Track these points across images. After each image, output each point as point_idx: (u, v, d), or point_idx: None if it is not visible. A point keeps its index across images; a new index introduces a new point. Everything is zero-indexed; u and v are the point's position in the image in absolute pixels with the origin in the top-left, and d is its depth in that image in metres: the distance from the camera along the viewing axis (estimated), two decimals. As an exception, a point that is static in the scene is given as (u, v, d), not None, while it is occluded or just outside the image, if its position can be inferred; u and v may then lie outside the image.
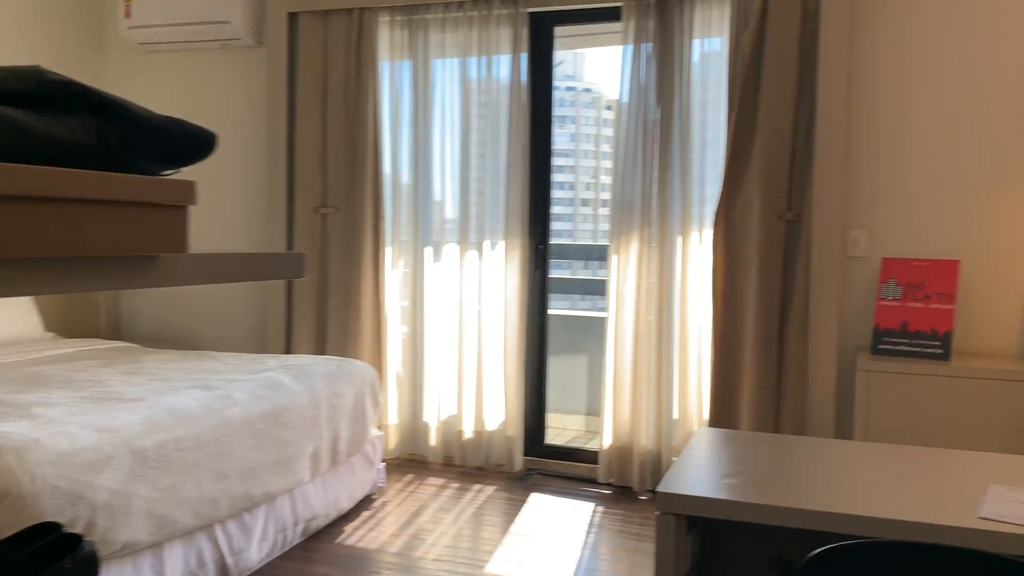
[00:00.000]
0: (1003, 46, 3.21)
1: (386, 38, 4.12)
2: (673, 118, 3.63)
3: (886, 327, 3.23)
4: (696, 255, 3.66)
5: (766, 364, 3.40)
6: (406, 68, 4.12)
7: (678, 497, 1.43)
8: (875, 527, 1.32)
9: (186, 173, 3.86)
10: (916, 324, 3.19)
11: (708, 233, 3.64)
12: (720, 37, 3.61)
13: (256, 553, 2.79)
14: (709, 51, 3.64)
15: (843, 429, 3.46)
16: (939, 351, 3.12)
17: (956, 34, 3.27)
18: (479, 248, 4.02)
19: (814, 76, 3.37)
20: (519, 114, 3.88)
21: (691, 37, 3.63)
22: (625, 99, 3.71)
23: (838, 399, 3.45)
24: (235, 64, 4.46)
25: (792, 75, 3.35)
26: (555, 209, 4.07)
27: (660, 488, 1.47)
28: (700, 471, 1.55)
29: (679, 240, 3.67)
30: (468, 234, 4.03)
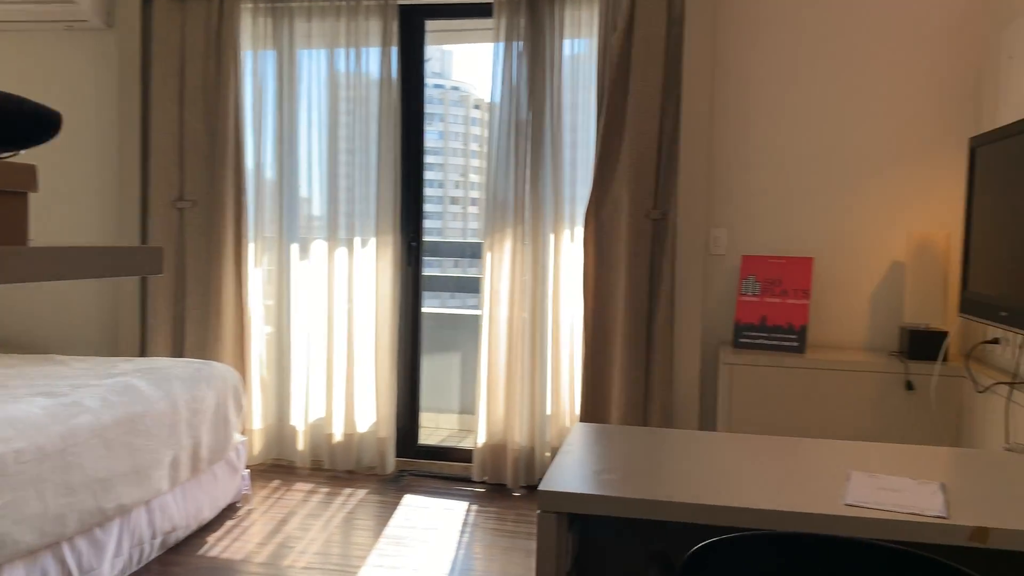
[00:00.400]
0: (855, 53, 3.40)
1: (248, 26, 3.94)
2: (545, 118, 3.65)
3: (746, 321, 3.36)
4: (568, 253, 3.70)
5: (635, 359, 3.48)
6: (270, 58, 3.96)
7: (559, 495, 1.42)
8: (749, 517, 1.35)
9: (26, 158, 3.55)
10: (774, 318, 3.34)
11: (579, 231, 3.68)
12: (589, 39, 3.66)
13: (109, 570, 2.60)
14: (579, 52, 3.68)
15: (707, 419, 3.58)
16: (795, 344, 3.28)
17: (812, 41, 3.44)
18: (349, 245, 3.92)
19: (680, 79, 3.47)
20: (389, 109, 3.81)
21: (562, 37, 3.66)
22: (497, 98, 3.70)
23: (702, 391, 3.57)
24: (83, 47, 4.16)
25: (658, 78, 3.44)
26: (425, 207, 4.02)
27: (542, 486, 1.45)
28: (579, 468, 1.55)
29: (552, 238, 3.70)
30: (337, 231, 3.91)
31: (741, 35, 3.51)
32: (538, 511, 1.45)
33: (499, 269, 3.72)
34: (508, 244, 3.70)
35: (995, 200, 2.58)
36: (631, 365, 3.47)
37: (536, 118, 3.65)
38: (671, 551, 1.64)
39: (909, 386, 3.06)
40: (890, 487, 1.47)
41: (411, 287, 4.00)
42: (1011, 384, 2.60)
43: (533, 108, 3.65)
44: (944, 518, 1.32)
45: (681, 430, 1.84)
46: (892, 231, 3.41)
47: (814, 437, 3.13)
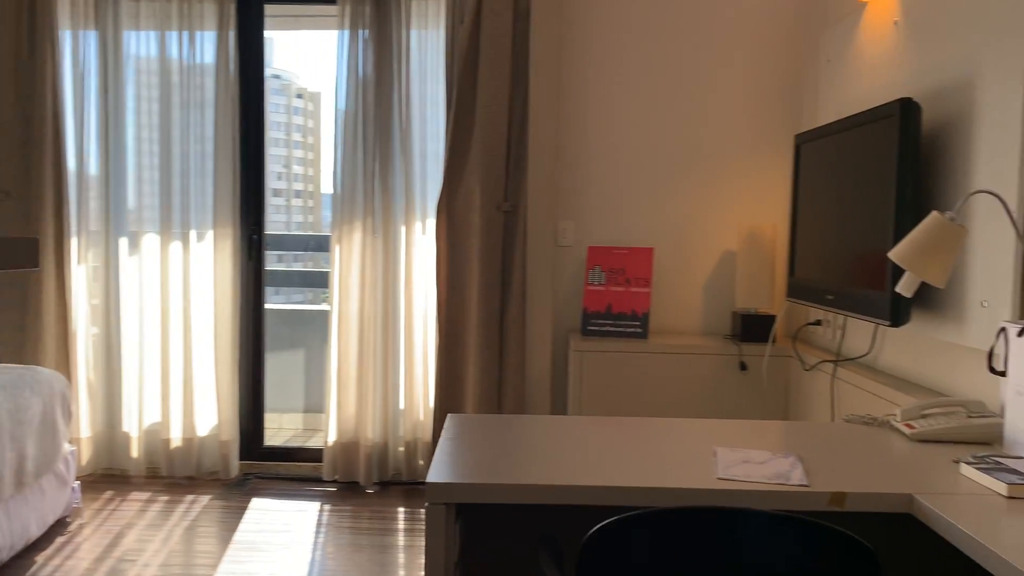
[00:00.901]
0: (690, 53, 3.59)
1: (67, 3, 3.63)
2: (393, 109, 3.61)
3: (593, 310, 3.48)
4: (420, 245, 3.68)
5: (488, 349, 3.51)
6: (92, 39, 3.66)
7: (449, 486, 1.42)
8: (637, 496, 1.41)
9: None
10: (619, 306, 3.48)
11: (432, 223, 3.67)
12: (437, 30, 3.65)
13: (-78, 604, 2.33)
14: (427, 43, 3.66)
15: (559, 405, 3.68)
16: (639, 330, 3.43)
17: (649, 40, 3.60)
18: (184, 239, 3.71)
19: (527, 73, 3.53)
20: (227, 98, 3.63)
21: (409, 27, 3.63)
22: (343, 87, 3.62)
23: (553, 378, 3.67)
24: None
25: (506, 71, 3.48)
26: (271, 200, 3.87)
27: (430, 478, 1.44)
28: (462, 458, 1.55)
29: (403, 230, 3.66)
30: (171, 224, 3.69)
31: (585, 31, 3.62)
32: (426, 504, 1.44)
33: (349, 262, 3.64)
34: (358, 236, 3.63)
35: (817, 193, 2.82)
36: (485, 356, 3.51)
37: (384, 109, 3.60)
38: (558, 537, 1.67)
39: (742, 367, 3.28)
40: (754, 460, 1.57)
41: (252, 282, 3.84)
42: (835, 362, 2.85)
43: (380, 99, 3.60)
44: (806, 486, 1.43)
45: (546, 416, 1.88)
46: (724, 222, 3.63)
47: (659, 415, 3.29)
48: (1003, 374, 1.72)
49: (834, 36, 3.07)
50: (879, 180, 2.31)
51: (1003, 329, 1.73)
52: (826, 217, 2.73)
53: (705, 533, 1.13)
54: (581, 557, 1.18)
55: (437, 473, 1.47)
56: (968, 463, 1.52)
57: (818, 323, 3.21)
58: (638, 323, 3.44)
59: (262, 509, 3.44)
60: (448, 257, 3.58)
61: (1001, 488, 1.41)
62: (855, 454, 1.65)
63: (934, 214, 1.70)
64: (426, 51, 3.65)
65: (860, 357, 2.83)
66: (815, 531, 1.13)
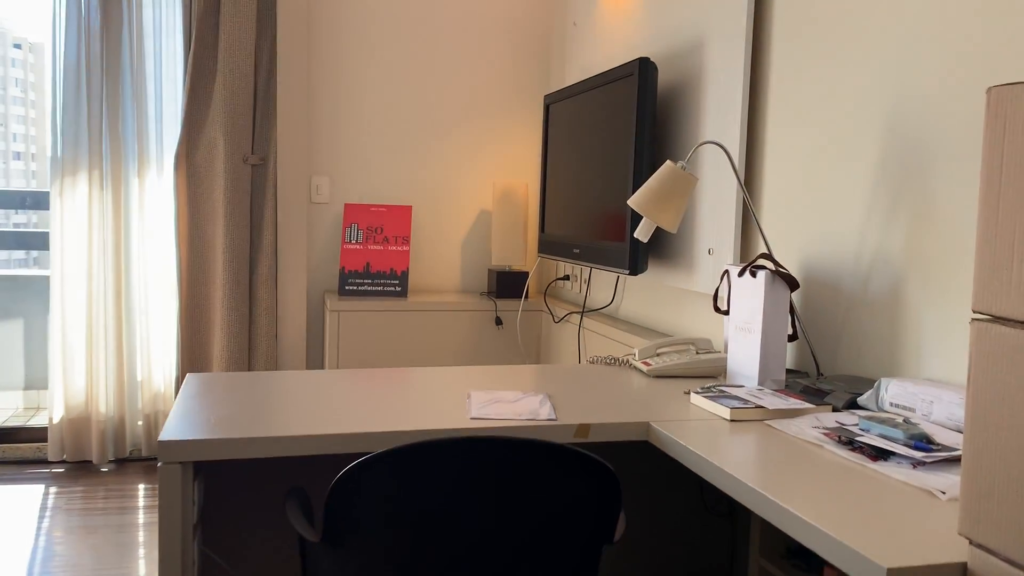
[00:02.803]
0: (444, 11, 3.57)
1: None
2: (122, 46, 3.27)
3: (351, 269, 3.39)
4: (157, 200, 3.38)
5: (236, 313, 3.32)
6: None
7: (182, 444, 1.30)
8: (382, 441, 1.37)
9: None
10: (377, 265, 3.42)
11: (170, 176, 3.38)
12: (172, -36, 3.34)
13: None
14: (161, -22, 3.34)
15: (315, 368, 3.56)
16: (398, 289, 3.40)
17: (405, 8, 3.53)
18: None
19: (275, 15, 3.33)
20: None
21: (139, -41, 3.29)
22: (61, 25, 3.21)
23: (309, 341, 3.54)
24: None
25: (251, 10, 3.26)
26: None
27: (162, 436, 1.32)
28: (199, 416, 1.43)
29: (136, 183, 3.34)
30: None
31: (336, -19, 3.48)
32: (159, 463, 1.31)
33: (72, 221, 3.27)
34: (83, 191, 3.27)
35: (564, 151, 2.92)
36: (233, 319, 3.31)
37: (111, 46, 3.25)
38: (307, 490, 1.60)
39: (498, 322, 3.36)
40: (506, 400, 1.60)
41: (-46, 242, 3.35)
42: (581, 313, 2.98)
43: (107, 35, 3.25)
44: (554, 420, 1.47)
45: (297, 371, 1.80)
46: (480, 182, 3.67)
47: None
48: (725, 312, 1.87)
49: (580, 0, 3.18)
50: (620, 137, 2.43)
51: (726, 272, 1.88)
52: (573, 174, 2.83)
53: (452, 465, 1.12)
54: (328, 504, 1.13)
55: (172, 430, 1.35)
56: (697, 393, 1.64)
57: (566, 278, 3.35)
58: (397, 282, 3.40)
59: (-28, 498, 3.03)
60: (189, 214, 3.32)
61: (725, 413, 1.53)
62: (598, 391, 1.72)
63: (668, 163, 1.80)
64: (160, -12, 3.33)
65: (604, 307, 2.99)
66: (557, 452, 1.16)
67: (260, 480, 1.67)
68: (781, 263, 1.87)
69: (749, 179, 2.11)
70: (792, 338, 1.78)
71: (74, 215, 3.27)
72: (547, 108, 3.12)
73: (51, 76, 3.21)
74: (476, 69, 3.61)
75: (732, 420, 1.51)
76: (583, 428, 1.46)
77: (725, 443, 1.36)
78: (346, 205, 3.42)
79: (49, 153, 3.23)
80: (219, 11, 3.24)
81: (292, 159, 3.38)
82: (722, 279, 1.90)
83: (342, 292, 3.35)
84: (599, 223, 2.59)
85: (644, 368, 1.89)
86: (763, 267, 1.73)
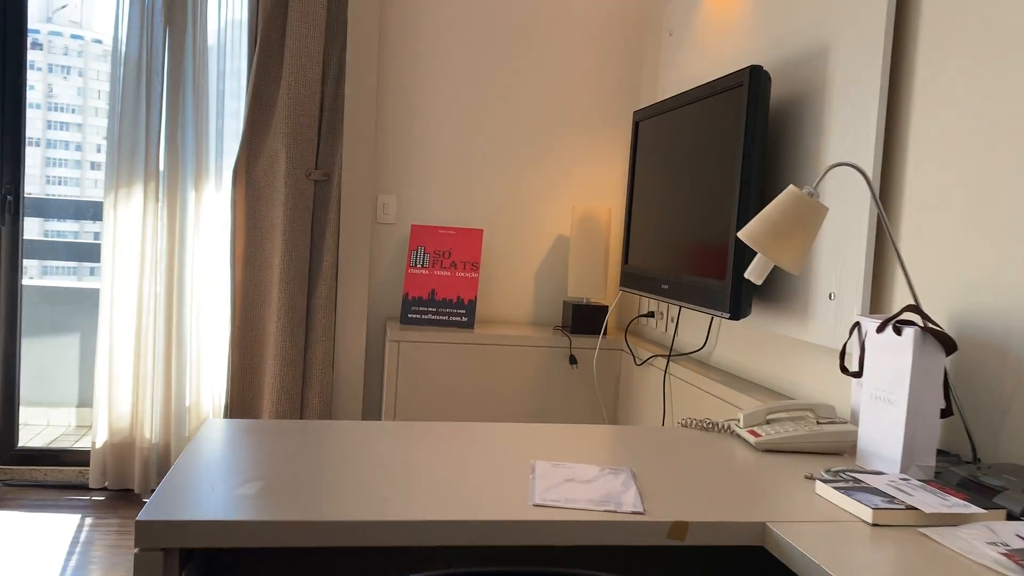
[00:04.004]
0: (526, 24, 3.29)
1: None
2: (185, 54, 3.09)
3: (415, 295, 3.13)
4: (213, 215, 3.18)
5: (292, 338, 3.08)
6: None
7: (165, 526, 1.02)
8: (427, 533, 1.07)
9: None
10: (443, 292, 3.14)
11: (228, 190, 3.18)
12: (242, -33, 3.17)
13: None
14: (229, -20, 3.17)
15: (372, 402, 3.30)
16: (464, 319, 3.11)
17: (482, 9, 3.27)
18: (-85, 196, 3.04)
19: (346, 21, 3.11)
20: (-24, 24, 2.98)
21: (208, -39, 3.12)
22: (123, 29, 3.05)
23: (367, 371, 3.28)
24: None
25: (320, 15, 3.05)
26: (30, 160, 3.24)
27: (142, 516, 1.04)
28: (205, 480, 1.16)
29: (192, 197, 3.15)
30: (-102, 177, 3.01)
31: (412, -14, 3.24)
32: (135, 549, 1.04)
33: (125, 233, 3.09)
34: (137, 203, 3.09)
35: (655, 174, 2.59)
36: (287, 345, 3.07)
37: (176, 55, 3.08)
38: None
39: (572, 360, 3.03)
40: (579, 478, 1.27)
41: (8, 252, 3.21)
42: (667, 357, 2.63)
43: (173, 44, 3.07)
44: (640, 513, 1.14)
45: (340, 421, 1.52)
46: (558, 205, 3.37)
47: (482, 413, 2.99)
48: (857, 375, 1.51)
49: (677, 8, 2.86)
50: (723, 158, 2.09)
51: (857, 324, 1.52)
52: (664, 200, 2.50)
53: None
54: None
55: (159, 504, 1.07)
56: (824, 480, 1.29)
57: (651, 315, 3.00)
58: (464, 311, 3.11)
59: (10, 524, 2.85)
60: (247, 230, 3.11)
61: (865, 513, 1.17)
62: (695, 468, 1.38)
63: (791, 189, 1.46)
64: (228, -9, 3.15)
65: (694, 352, 2.63)
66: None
67: (271, 572, 1.38)
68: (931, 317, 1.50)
69: (884, 211, 1.74)
70: (945, 413, 1.41)
71: (127, 227, 3.09)
72: (636, 125, 2.79)
73: (111, 76, 3.04)
74: (558, 83, 3.32)
75: (875, 524, 1.16)
76: (679, 528, 1.12)
77: (867, 558, 1.01)
78: (413, 226, 3.16)
79: (104, 160, 3.06)
80: (287, 12, 3.03)
81: (358, 176, 3.14)
82: (852, 333, 1.54)
83: (404, 320, 3.08)
84: (694, 257, 2.24)
85: (751, 439, 1.54)
86: (911, 323, 1.37)
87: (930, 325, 1.38)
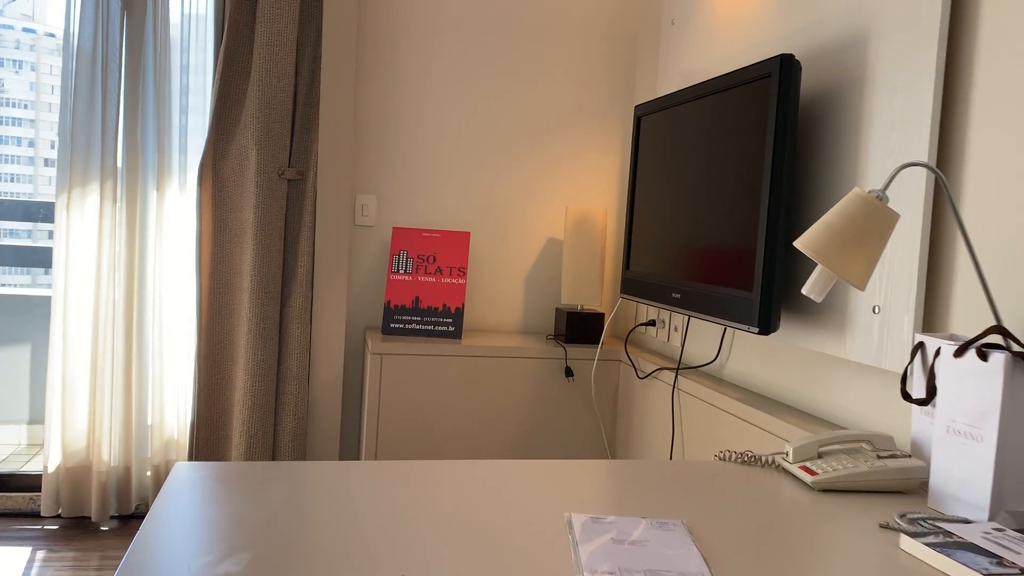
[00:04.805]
0: (512, 15, 3.08)
1: None
2: (145, 45, 2.83)
3: (398, 303, 2.90)
4: (177, 216, 2.93)
5: (264, 350, 2.84)
6: None
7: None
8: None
9: None
10: (428, 299, 2.92)
11: (193, 190, 2.93)
12: (207, -52, 2.91)
13: None
14: (193, -38, 2.91)
15: (351, 420, 3.07)
16: (451, 328, 2.89)
17: (469, 7, 3.05)
18: None
19: (321, 10, 2.88)
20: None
21: (169, -60, 2.86)
22: (77, 16, 2.79)
23: (346, 386, 3.05)
24: None
25: (293, 4, 2.81)
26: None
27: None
28: (179, 554, 0.94)
29: (154, 197, 2.90)
30: None
31: (393, -30, 3.01)
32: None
33: (80, 236, 2.83)
34: (93, 204, 2.83)
35: (662, 172, 2.40)
36: (259, 358, 2.83)
37: (133, 44, 2.82)
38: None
39: (568, 373, 2.83)
40: (628, 536, 1.07)
41: (-51, 259, 2.93)
42: (676, 370, 2.44)
43: (129, 22, 2.81)
44: (711, 586, 0.94)
45: (330, 463, 1.31)
46: (550, 207, 3.17)
47: (472, 430, 2.77)
48: (922, 402, 1.32)
49: (681, -6, 2.67)
50: (748, 156, 1.90)
51: (920, 345, 1.34)
52: (673, 201, 2.31)
53: None
54: None
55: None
56: (907, 533, 1.10)
57: (651, 323, 2.81)
58: (450, 320, 2.90)
59: (-54, 561, 2.58)
60: (214, 233, 2.86)
61: (974, 580, 0.98)
62: (751, 516, 1.19)
63: (856, 192, 1.27)
64: (192, -27, 2.90)
65: (704, 365, 2.45)
66: None
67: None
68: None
69: (937, 216, 1.57)
70: (1036, 450, 1.23)
71: (81, 230, 2.82)
72: (638, 121, 2.60)
73: (63, 67, 2.78)
74: (549, 77, 3.12)
75: (986, 593, 0.97)
76: (762, 605, 0.92)
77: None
78: (394, 229, 2.94)
79: (56, 158, 2.79)
80: (255, 4, 2.79)
81: (335, 174, 2.90)
82: (915, 354, 1.35)
83: (386, 330, 2.86)
84: (713, 263, 2.05)
85: (807, 478, 1.34)
86: (997, 347, 1.19)
87: (1019, 350, 1.20)
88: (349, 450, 3.07)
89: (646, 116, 2.54)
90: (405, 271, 2.93)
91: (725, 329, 2.35)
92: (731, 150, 1.98)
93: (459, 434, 2.77)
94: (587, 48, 3.13)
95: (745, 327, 1.87)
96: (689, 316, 2.17)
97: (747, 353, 2.23)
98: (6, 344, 3.58)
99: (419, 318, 2.90)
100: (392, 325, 2.88)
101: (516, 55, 3.09)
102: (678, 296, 2.21)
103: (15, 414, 3.62)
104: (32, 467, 3.27)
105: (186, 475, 1.23)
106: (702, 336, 2.48)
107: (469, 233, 2.98)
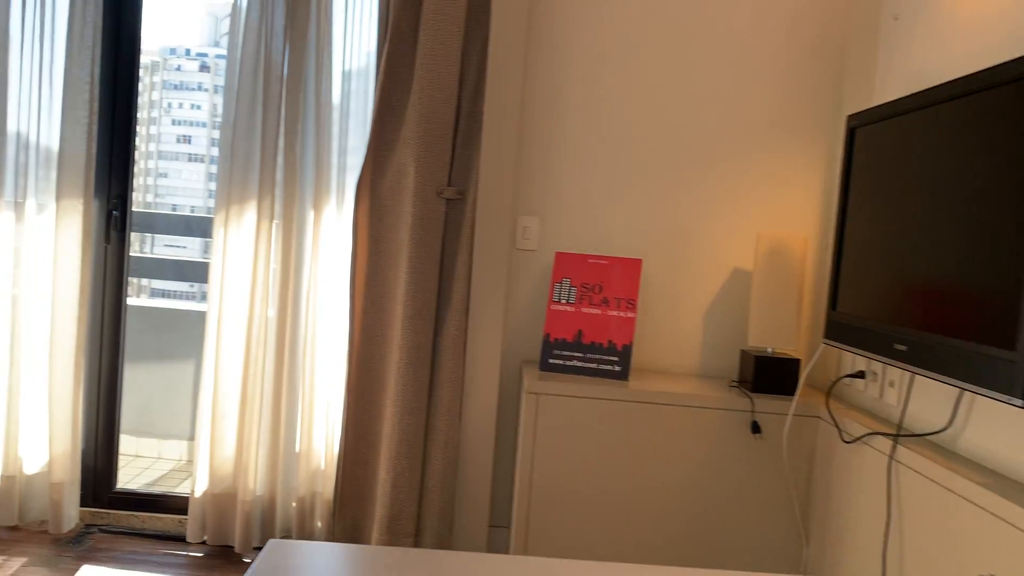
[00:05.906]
0: (700, 19, 2.73)
1: None
2: (307, 58, 2.71)
3: (558, 336, 2.61)
4: (333, 235, 2.78)
5: (415, 381, 2.62)
6: (-89, -68, 2.73)
7: None
8: None
9: None
10: (592, 334, 2.61)
11: (350, 208, 2.78)
12: (374, -45, 2.77)
13: None
14: (358, -31, 2.78)
15: (504, 461, 2.79)
16: (617, 368, 2.56)
17: (649, 3, 2.74)
18: (17, 209, 2.79)
19: (488, 19, 2.65)
20: (84, 24, 2.71)
21: (336, -52, 2.74)
22: (239, 31, 2.71)
23: (499, 425, 2.78)
24: None
25: (459, 14, 2.60)
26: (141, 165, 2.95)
27: None
28: None
29: (311, 215, 2.76)
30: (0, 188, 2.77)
31: (567, -29, 2.74)
32: None
33: (236, 252, 2.73)
34: (250, 220, 2.73)
35: (882, 194, 1.97)
36: (410, 389, 2.62)
37: (295, 57, 2.71)
38: None
39: (755, 428, 2.42)
40: None
41: (112, 270, 2.93)
42: (895, 436, 1.98)
43: (291, 35, 2.70)
44: None
45: (459, 553, 1.02)
46: (737, 233, 2.77)
47: (639, 488, 2.42)
48: None
49: (910, -18, 2.22)
50: (1006, 176, 1.46)
51: None
52: (900, 228, 1.88)
53: None
54: None
55: None
56: None
57: (860, 375, 2.35)
58: (617, 358, 2.57)
59: (91, 582, 2.53)
60: (369, 254, 2.69)
61: None
62: None
63: None
64: (358, -19, 2.76)
65: (932, 433, 1.98)
66: None
67: None
68: None
69: None
70: None
71: (238, 246, 2.73)
72: (851, 133, 2.18)
73: (226, 79, 2.70)
74: (738, 88, 2.74)
75: None
76: None
77: None
78: (557, 254, 2.65)
79: (217, 172, 2.71)
80: (420, 12, 2.60)
81: (496, 194, 2.66)
82: None
83: (544, 366, 2.57)
84: (954, 309, 1.61)
85: None
86: None
87: None
88: (500, 500, 2.79)
89: (863, 127, 2.12)
90: (567, 301, 2.63)
91: (962, 392, 1.88)
92: (984, 166, 1.54)
93: (621, 494, 2.42)
94: (785, 53, 2.72)
95: (1003, 397, 1.42)
96: (916, 373, 1.73)
97: (992, 424, 1.76)
98: (173, 358, 3.60)
99: (581, 354, 2.59)
100: (551, 361, 2.58)
101: (701, 63, 2.74)
102: (903, 348, 1.77)
103: (178, 430, 3.63)
104: (184, 488, 3.23)
105: (275, 552, 0.97)
106: (927, 394, 2.02)
107: (641, 260, 2.65)
